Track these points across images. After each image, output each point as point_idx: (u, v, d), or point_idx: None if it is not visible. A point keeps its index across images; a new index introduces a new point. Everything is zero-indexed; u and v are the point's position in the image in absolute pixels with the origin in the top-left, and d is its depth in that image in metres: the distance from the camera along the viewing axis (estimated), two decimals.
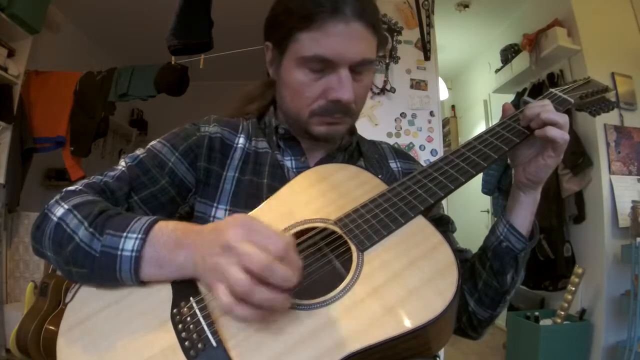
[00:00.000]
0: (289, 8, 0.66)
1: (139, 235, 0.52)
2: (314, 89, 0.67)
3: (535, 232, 0.69)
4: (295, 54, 0.66)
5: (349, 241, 0.55)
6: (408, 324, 0.45)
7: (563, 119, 0.61)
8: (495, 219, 0.72)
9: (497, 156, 0.62)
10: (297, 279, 0.44)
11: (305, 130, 0.72)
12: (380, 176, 0.66)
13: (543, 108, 0.63)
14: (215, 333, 0.46)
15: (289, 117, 0.74)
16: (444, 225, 0.77)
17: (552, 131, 0.60)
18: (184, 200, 0.71)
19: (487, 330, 0.74)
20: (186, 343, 0.46)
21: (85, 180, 0.65)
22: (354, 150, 0.80)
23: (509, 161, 0.70)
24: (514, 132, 0.65)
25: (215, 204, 0.69)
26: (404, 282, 0.49)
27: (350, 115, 0.71)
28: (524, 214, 0.67)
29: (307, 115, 0.69)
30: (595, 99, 0.75)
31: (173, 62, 2.78)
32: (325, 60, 0.65)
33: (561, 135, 0.61)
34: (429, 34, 2.58)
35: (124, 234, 0.53)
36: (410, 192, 0.60)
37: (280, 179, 0.70)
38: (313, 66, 0.66)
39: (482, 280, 0.69)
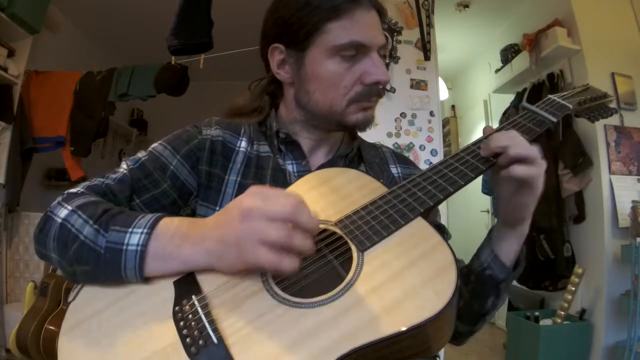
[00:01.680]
0: (310, 4, 0.68)
1: (145, 230, 0.53)
2: (349, 76, 0.69)
3: (520, 260, 0.67)
4: (325, 45, 0.68)
5: (349, 242, 0.55)
6: (406, 322, 0.45)
7: (532, 152, 0.56)
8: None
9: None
10: (318, 226, 0.48)
11: (338, 122, 0.73)
12: (381, 181, 0.66)
13: (510, 141, 0.57)
14: (216, 330, 0.47)
15: (317, 112, 0.72)
16: (439, 233, 0.76)
17: (519, 170, 0.56)
18: (186, 203, 0.71)
19: (467, 340, 0.75)
20: (187, 340, 0.46)
21: (87, 183, 0.66)
22: (354, 156, 0.80)
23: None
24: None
25: (217, 208, 0.70)
26: (403, 282, 0.49)
27: (380, 98, 0.74)
28: (509, 246, 0.65)
29: (345, 105, 0.70)
30: (594, 105, 0.76)
31: (173, 62, 2.78)
32: (360, 46, 0.68)
33: (529, 172, 0.56)
34: (429, 34, 2.58)
35: (130, 229, 0.53)
36: (410, 194, 0.60)
37: (282, 183, 0.70)
38: (346, 53, 0.68)
39: (463, 300, 0.68)
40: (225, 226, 0.50)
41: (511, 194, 0.61)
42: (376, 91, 0.71)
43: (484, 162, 0.62)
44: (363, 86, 0.69)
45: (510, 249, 0.66)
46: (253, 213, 0.47)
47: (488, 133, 0.63)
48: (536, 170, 0.57)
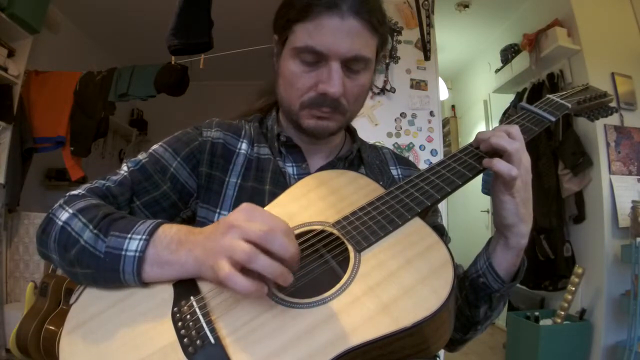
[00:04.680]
0: (289, 2, 0.68)
1: (143, 237, 0.53)
2: (305, 80, 0.68)
3: (519, 273, 0.65)
4: (290, 45, 0.68)
5: (346, 242, 0.55)
6: (403, 321, 0.45)
7: (512, 146, 0.57)
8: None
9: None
10: (296, 256, 0.47)
11: (296, 122, 0.73)
12: (381, 183, 0.66)
13: (493, 133, 0.60)
14: (213, 330, 0.47)
15: (283, 107, 0.75)
16: (438, 234, 0.76)
17: (498, 164, 0.57)
18: (186, 205, 0.71)
19: (460, 348, 0.74)
20: (185, 340, 0.47)
21: (88, 185, 0.66)
22: (354, 158, 0.80)
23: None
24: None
25: (217, 210, 0.70)
26: (399, 281, 0.49)
27: (340, 112, 0.70)
28: (505, 257, 0.63)
29: (298, 107, 0.70)
30: (593, 104, 0.77)
31: (173, 62, 2.78)
32: (317, 53, 0.65)
33: (507, 171, 0.56)
34: (429, 34, 2.58)
35: (129, 235, 0.54)
36: (407, 194, 0.60)
37: (282, 185, 0.70)
38: (305, 58, 0.66)
39: (457, 306, 0.67)
40: (211, 236, 0.50)
41: (495, 193, 0.61)
42: (330, 103, 0.68)
43: (481, 162, 0.62)
44: (316, 94, 0.68)
45: (502, 260, 0.63)
46: (233, 229, 0.47)
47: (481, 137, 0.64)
48: (513, 168, 0.57)
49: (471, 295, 0.67)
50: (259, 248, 0.45)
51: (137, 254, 0.52)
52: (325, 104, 0.68)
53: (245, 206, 0.50)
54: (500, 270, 0.63)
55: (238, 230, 0.47)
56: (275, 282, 0.46)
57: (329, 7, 0.63)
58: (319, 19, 0.64)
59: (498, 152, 0.59)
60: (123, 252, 0.53)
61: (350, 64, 0.67)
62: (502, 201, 0.60)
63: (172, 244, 0.53)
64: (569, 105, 0.72)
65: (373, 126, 2.52)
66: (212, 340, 0.46)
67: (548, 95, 0.74)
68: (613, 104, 0.80)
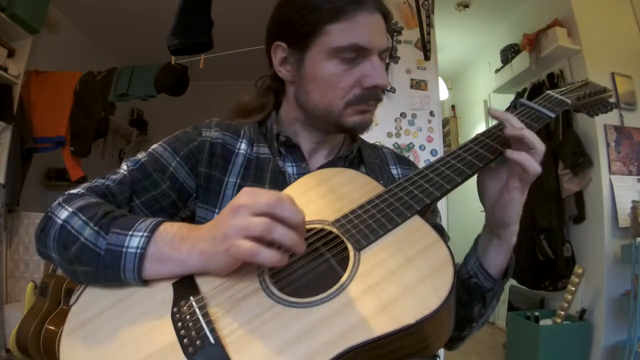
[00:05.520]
0: (311, 4, 0.67)
1: (145, 234, 0.53)
2: (347, 79, 0.68)
3: (509, 270, 0.66)
4: (324, 46, 0.67)
5: (345, 241, 0.55)
6: (403, 320, 0.45)
7: (542, 147, 0.58)
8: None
9: (493, 157, 0.62)
10: (304, 222, 0.49)
11: (335, 124, 0.72)
12: (381, 182, 0.66)
13: (524, 126, 0.60)
14: (213, 330, 0.47)
15: (317, 112, 0.72)
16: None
17: (527, 159, 0.57)
18: (185, 204, 0.71)
19: (458, 345, 0.75)
20: (185, 340, 0.47)
21: (88, 184, 0.66)
22: (354, 158, 0.80)
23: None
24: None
25: (216, 210, 0.70)
26: (399, 280, 0.49)
27: (379, 102, 0.73)
28: (496, 255, 0.64)
29: (342, 106, 0.70)
30: (593, 100, 0.76)
31: (173, 62, 2.78)
32: (359, 49, 0.67)
33: (534, 168, 0.57)
34: (429, 34, 2.58)
35: (130, 233, 0.54)
36: (407, 192, 0.60)
37: (282, 185, 0.70)
38: (346, 55, 0.67)
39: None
40: (216, 225, 0.51)
41: (502, 191, 0.62)
42: (375, 95, 0.70)
43: (480, 159, 0.62)
44: (362, 89, 0.68)
45: (496, 259, 0.64)
46: (240, 209, 0.49)
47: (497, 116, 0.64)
48: (537, 166, 0.58)
49: (464, 295, 0.67)
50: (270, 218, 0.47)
51: (139, 250, 0.52)
52: (372, 97, 0.70)
53: (245, 189, 0.51)
54: (493, 270, 0.64)
55: (245, 208, 0.48)
56: (292, 250, 0.49)
57: (359, 5, 0.66)
58: (353, 16, 0.66)
59: (518, 145, 0.59)
60: (124, 249, 0.53)
61: (382, 56, 0.70)
62: (513, 199, 0.60)
63: (174, 240, 0.53)
64: (569, 101, 0.71)
65: (373, 126, 2.47)
66: (212, 340, 0.46)
67: (547, 92, 0.73)
68: (612, 100, 0.80)
